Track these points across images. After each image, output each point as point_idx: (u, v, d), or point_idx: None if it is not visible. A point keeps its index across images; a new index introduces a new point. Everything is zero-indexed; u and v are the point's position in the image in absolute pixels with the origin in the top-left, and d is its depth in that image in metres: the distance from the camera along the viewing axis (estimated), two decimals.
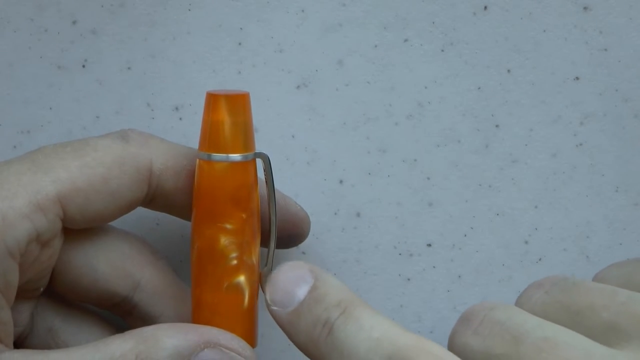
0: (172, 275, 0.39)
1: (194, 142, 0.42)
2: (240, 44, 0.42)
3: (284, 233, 0.39)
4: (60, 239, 0.37)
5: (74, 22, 0.41)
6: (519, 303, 0.36)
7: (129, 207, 0.37)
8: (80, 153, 0.36)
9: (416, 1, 0.41)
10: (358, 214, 0.42)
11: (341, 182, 0.42)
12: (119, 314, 0.39)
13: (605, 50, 0.42)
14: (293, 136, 0.42)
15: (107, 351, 0.34)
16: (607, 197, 0.43)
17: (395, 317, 0.42)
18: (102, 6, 0.41)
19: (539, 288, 0.36)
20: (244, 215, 0.36)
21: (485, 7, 0.42)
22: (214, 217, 0.36)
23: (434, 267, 0.43)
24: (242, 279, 0.36)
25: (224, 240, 0.36)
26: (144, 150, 0.37)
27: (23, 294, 0.37)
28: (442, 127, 0.42)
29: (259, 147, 0.42)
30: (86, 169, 0.36)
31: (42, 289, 0.38)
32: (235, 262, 0.36)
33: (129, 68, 0.41)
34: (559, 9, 0.42)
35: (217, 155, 0.36)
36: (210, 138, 0.36)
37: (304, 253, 0.42)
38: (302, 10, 0.41)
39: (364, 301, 0.35)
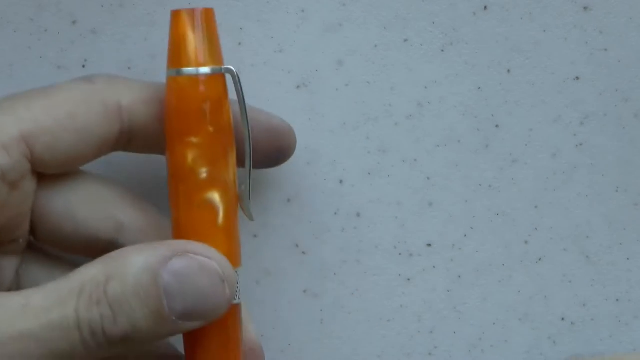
0: (157, 214, 0.38)
1: None
2: (240, 44, 0.42)
3: (268, 148, 0.39)
4: (32, 182, 0.36)
5: (74, 22, 0.41)
6: None
7: (102, 147, 0.37)
8: (44, 95, 0.36)
9: (416, 1, 0.41)
10: (358, 214, 0.42)
11: (341, 182, 0.42)
12: None
13: (605, 50, 0.42)
14: None
15: (78, 278, 0.34)
16: (607, 197, 0.43)
17: (395, 317, 0.42)
18: (102, 6, 0.41)
19: None
20: (211, 129, 0.36)
21: (485, 7, 0.42)
22: (183, 133, 0.36)
23: (434, 267, 0.43)
24: (214, 195, 0.36)
25: (191, 154, 0.35)
26: (110, 87, 0.37)
27: (4, 247, 0.37)
28: (442, 127, 0.42)
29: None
30: (51, 108, 0.36)
31: (22, 241, 0.37)
32: (205, 176, 0.36)
33: (129, 68, 0.41)
34: (559, 9, 0.42)
35: (185, 70, 0.36)
36: (177, 53, 0.36)
37: (304, 253, 0.42)
38: (302, 10, 0.41)
39: None
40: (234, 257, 0.36)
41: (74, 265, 0.38)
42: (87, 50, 0.41)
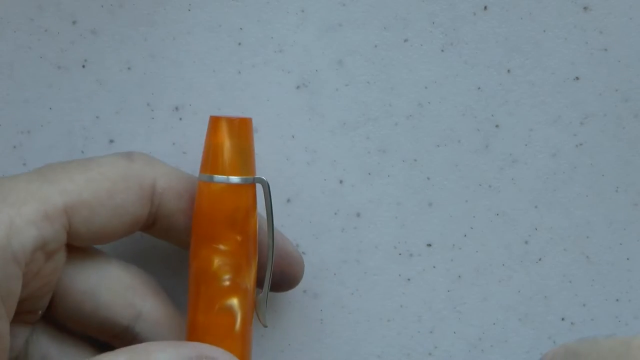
0: (173, 307, 0.39)
1: (194, 142, 0.42)
2: (240, 44, 0.42)
3: (277, 271, 0.40)
4: (64, 254, 0.37)
5: (74, 22, 0.41)
6: None
7: (132, 225, 0.37)
8: (85, 167, 0.37)
9: (416, 1, 0.41)
10: (358, 214, 0.42)
11: (341, 182, 0.42)
12: (119, 346, 0.39)
13: (605, 50, 0.42)
14: (293, 136, 0.42)
15: None
16: (607, 197, 0.43)
17: (395, 317, 0.42)
18: (102, 6, 0.41)
19: None
20: (239, 238, 0.37)
21: (485, 7, 0.42)
22: (210, 238, 0.36)
23: (434, 267, 0.43)
24: (234, 301, 0.37)
25: (217, 261, 0.37)
26: (148, 169, 0.37)
27: (21, 316, 0.37)
28: (442, 127, 0.42)
29: (259, 146, 0.42)
30: (92, 182, 0.36)
31: (40, 313, 0.38)
32: (227, 283, 0.37)
33: (129, 68, 0.41)
34: (559, 9, 0.42)
35: (217, 177, 0.36)
36: (211, 160, 0.37)
37: (304, 253, 0.42)
38: (302, 10, 0.41)
39: None
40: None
41: (83, 342, 0.39)
42: (87, 50, 0.41)
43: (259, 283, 0.38)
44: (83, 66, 0.41)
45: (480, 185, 0.42)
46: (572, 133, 0.42)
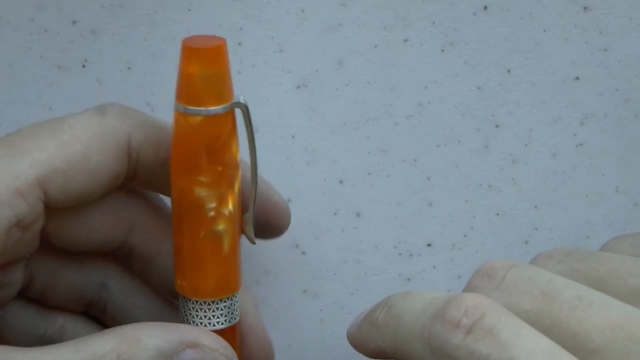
0: (166, 212, 0.39)
1: None
2: (240, 44, 0.42)
3: (261, 221, 0.39)
4: (44, 218, 0.36)
5: (74, 22, 0.41)
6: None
7: (112, 183, 0.37)
8: (57, 131, 0.36)
9: (416, 1, 0.41)
10: (358, 214, 0.42)
11: (341, 182, 0.42)
12: (119, 256, 0.39)
13: (605, 50, 0.42)
14: (293, 136, 0.42)
15: (89, 351, 0.34)
16: (607, 197, 0.43)
17: None
18: (102, 6, 0.41)
19: (551, 258, 0.35)
20: (219, 168, 0.35)
21: (485, 7, 0.42)
22: (189, 170, 0.35)
23: (434, 267, 0.43)
24: (220, 228, 0.36)
25: (199, 192, 0.35)
26: (122, 123, 0.36)
27: (11, 262, 0.37)
28: (442, 127, 0.42)
29: (259, 146, 0.42)
30: (64, 147, 0.35)
31: (29, 256, 0.38)
32: (212, 213, 0.36)
33: (129, 68, 0.41)
34: (559, 9, 0.42)
35: (191, 109, 0.35)
36: (184, 91, 0.35)
37: (304, 253, 0.42)
38: (302, 10, 0.41)
39: None
40: (235, 283, 0.36)
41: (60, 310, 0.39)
42: (87, 50, 0.41)
43: (246, 208, 0.38)
44: (83, 66, 0.41)
45: (480, 185, 0.42)
46: (572, 133, 0.42)
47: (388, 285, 0.43)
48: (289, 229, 0.42)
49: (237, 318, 0.37)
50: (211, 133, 0.35)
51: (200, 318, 0.36)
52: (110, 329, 0.35)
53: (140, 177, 0.37)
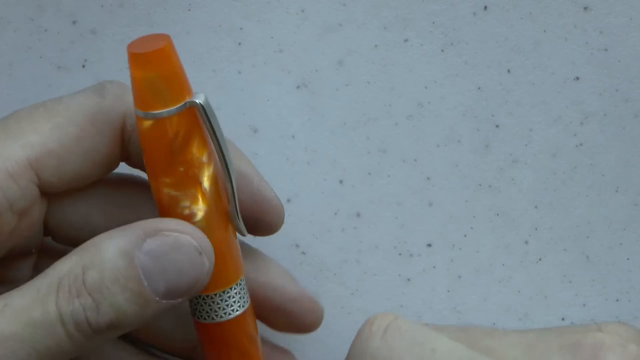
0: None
1: None
2: (240, 44, 0.42)
3: (254, 217, 0.38)
4: (42, 205, 0.36)
5: (74, 22, 0.41)
6: None
7: (109, 165, 0.36)
8: (52, 113, 0.35)
9: (416, 1, 0.41)
10: (358, 214, 0.42)
11: (341, 182, 0.42)
12: None
13: (605, 50, 0.42)
14: (293, 136, 0.42)
15: (54, 274, 0.34)
16: (607, 197, 0.43)
17: None
18: (102, 6, 0.41)
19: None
20: (181, 169, 0.35)
21: (485, 7, 0.42)
22: (155, 172, 0.35)
23: (434, 267, 0.43)
24: (197, 223, 0.35)
25: (169, 192, 0.35)
26: (119, 104, 0.36)
27: (17, 256, 0.37)
28: (442, 127, 0.42)
29: (259, 146, 0.42)
30: (57, 129, 0.35)
31: (34, 251, 0.37)
32: (187, 211, 0.35)
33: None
34: (559, 9, 0.42)
35: (141, 113, 0.34)
36: (136, 96, 0.34)
37: (303, 253, 0.42)
38: (302, 10, 0.41)
39: None
40: (233, 271, 0.36)
41: None
42: (87, 50, 0.41)
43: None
44: (83, 66, 0.41)
45: (480, 185, 0.42)
46: (572, 133, 0.42)
47: (388, 285, 0.43)
48: (289, 229, 0.42)
49: (248, 302, 0.37)
50: (166, 135, 0.34)
51: (207, 312, 0.36)
52: (74, 250, 0.34)
53: (134, 159, 0.37)
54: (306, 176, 0.42)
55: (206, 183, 0.35)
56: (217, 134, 0.35)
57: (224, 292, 0.36)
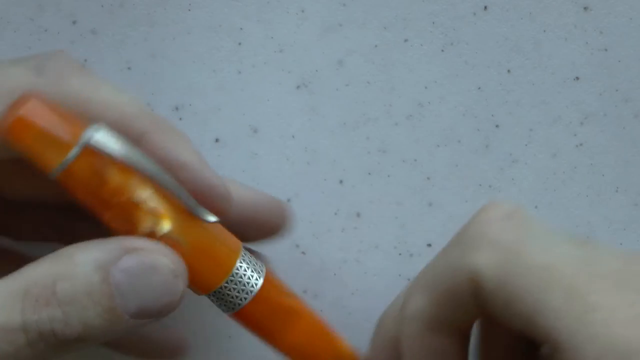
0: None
1: (194, 142, 0.42)
2: (240, 44, 0.42)
3: (256, 223, 0.38)
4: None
5: (74, 22, 0.41)
6: None
7: None
8: None
9: (416, 1, 0.41)
10: (358, 214, 0.42)
11: (341, 182, 0.42)
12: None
13: (605, 50, 0.42)
14: (293, 136, 0.42)
15: (21, 279, 0.32)
16: (607, 197, 0.43)
17: None
18: (102, 6, 0.41)
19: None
20: (116, 199, 0.34)
21: (485, 7, 0.42)
22: (97, 213, 0.34)
23: None
24: (171, 235, 0.35)
25: (119, 223, 0.34)
26: (56, 89, 0.34)
27: None
28: (442, 127, 0.42)
29: (259, 146, 0.42)
30: None
31: None
32: (148, 230, 0.34)
33: (129, 68, 0.41)
34: (559, 9, 0.42)
35: (49, 174, 0.34)
36: (30, 163, 0.34)
37: (303, 253, 0.42)
38: (302, 10, 0.41)
39: None
40: (228, 253, 0.36)
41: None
42: (87, 50, 0.41)
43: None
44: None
45: (480, 185, 0.42)
46: (572, 133, 0.42)
47: (388, 285, 0.43)
48: (290, 230, 0.42)
49: (263, 266, 0.36)
50: (81, 180, 0.34)
51: (232, 300, 0.36)
52: (47, 255, 0.33)
53: None
54: (306, 176, 0.42)
55: (150, 198, 0.34)
56: (124, 155, 0.34)
57: (233, 275, 0.36)
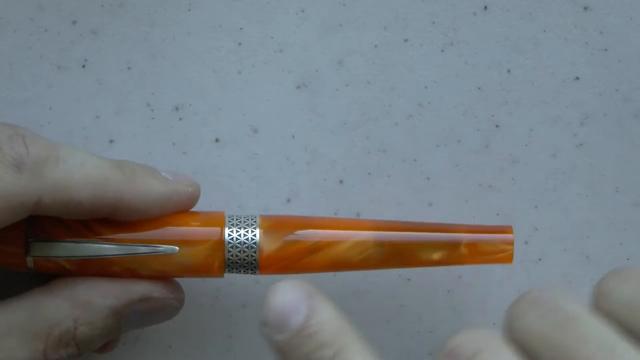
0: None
1: (194, 142, 0.42)
2: (240, 44, 0.42)
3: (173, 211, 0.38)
4: None
5: (74, 22, 0.41)
6: (511, 320, 0.33)
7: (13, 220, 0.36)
8: None
9: (416, 1, 0.41)
10: (358, 214, 0.42)
11: (341, 182, 0.42)
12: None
13: (605, 50, 0.42)
14: (293, 136, 0.42)
15: (45, 318, 0.36)
16: (607, 197, 0.43)
17: (395, 317, 0.42)
18: (102, 6, 0.41)
19: (532, 307, 0.32)
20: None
21: (485, 7, 0.42)
22: None
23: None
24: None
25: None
26: (36, 183, 0.35)
27: None
28: (442, 127, 0.42)
29: (259, 146, 0.42)
30: None
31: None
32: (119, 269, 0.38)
33: (129, 68, 0.41)
34: (559, 9, 0.42)
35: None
36: None
37: None
38: (302, 10, 0.41)
39: (359, 339, 0.33)
40: (213, 234, 0.38)
41: None
42: (87, 50, 0.41)
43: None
44: (83, 66, 0.41)
45: (480, 185, 0.42)
46: (572, 133, 0.42)
47: (388, 285, 0.43)
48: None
49: (254, 218, 0.38)
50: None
51: (245, 267, 0.38)
52: (59, 288, 0.36)
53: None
54: (306, 176, 0.42)
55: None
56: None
57: (229, 248, 0.37)
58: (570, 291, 0.32)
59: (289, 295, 0.33)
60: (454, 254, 0.38)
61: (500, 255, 0.38)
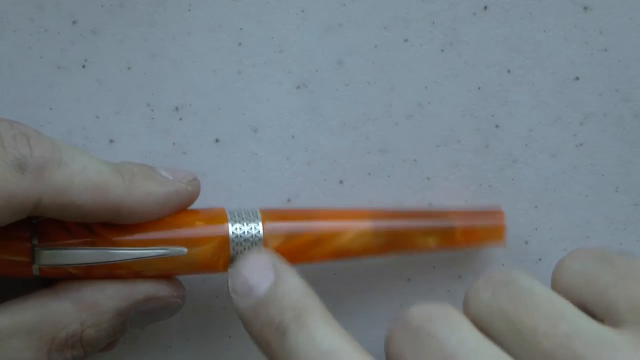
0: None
1: (194, 142, 0.42)
2: (240, 44, 0.42)
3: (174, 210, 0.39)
4: None
5: (74, 22, 0.41)
6: (467, 298, 0.34)
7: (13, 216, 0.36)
8: None
9: (416, 1, 0.41)
10: None
11: (341, 182, 0.42)
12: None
13: (605, 50, 0.42)
14: (293, 136, 0.42)
15: (52, 320, 0.36)
16: (607, 197, 0.43)
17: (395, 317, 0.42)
18: (102, 6, 0.41)
19: (486, 286, 0.33)
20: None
21: (485, 7, 0.42)
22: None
23: (433, 267, 0.43)
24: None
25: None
26: (38, 185, 0.35)
27: None
28: (442, 127, 0.42)
29: (259, 146, 0.42)
30: None
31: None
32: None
33: (129, 68, 0.41)
34: (559, 9, 0.42)
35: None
36: None
37: None
38: (302, 10, 0.41)
39: (321, 306, 0.34)
40: (215, 241, 0.37)
41: None
42: (87, 50, 0.41)
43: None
44: (83, 66, 0.41)
45: (480, 185, 0.42)
46: (572, 133, 0.42)
47: (388, 285, 0.43)
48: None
49: (258, 213, 0.38)
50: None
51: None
52: (63, 288, 0.36)
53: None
54: (306, 176, 0.42)
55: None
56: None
57: (234, 244, 0.38)
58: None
59: (256, 263, 0.34)
60: (448, 240, 0.40)
61: (492, 239, 0.41)
